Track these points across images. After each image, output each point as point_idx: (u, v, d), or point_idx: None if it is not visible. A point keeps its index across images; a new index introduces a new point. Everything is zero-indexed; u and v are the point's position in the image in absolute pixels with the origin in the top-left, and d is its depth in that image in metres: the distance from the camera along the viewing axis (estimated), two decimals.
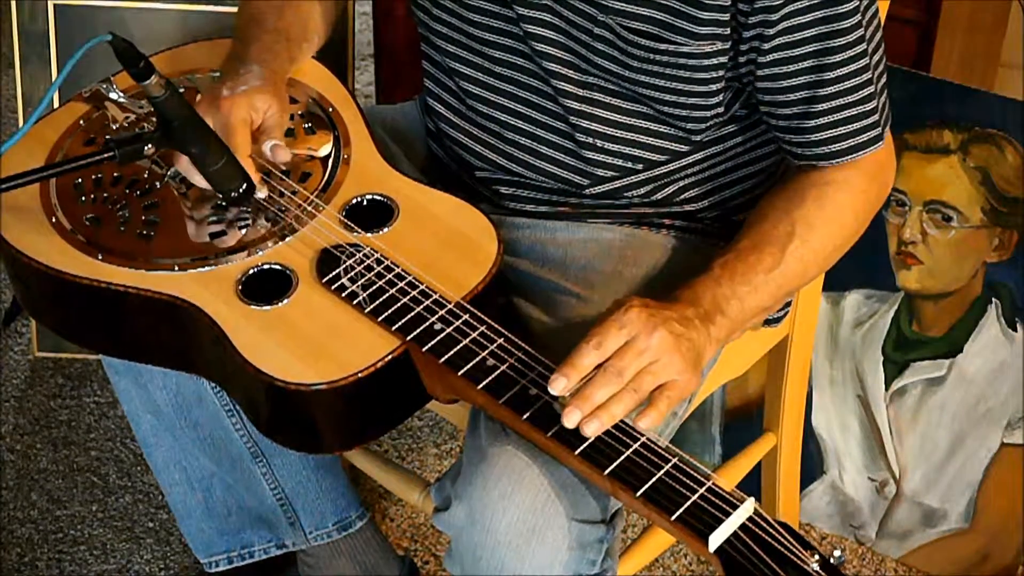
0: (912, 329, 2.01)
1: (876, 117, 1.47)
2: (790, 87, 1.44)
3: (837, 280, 1.96)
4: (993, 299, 1.96)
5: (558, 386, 1.29)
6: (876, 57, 1.46)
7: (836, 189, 1.48)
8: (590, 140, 1.54)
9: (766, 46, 1.42)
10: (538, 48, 1.51)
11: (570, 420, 1.27)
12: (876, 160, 1.50)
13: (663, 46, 1.45)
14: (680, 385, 1.33)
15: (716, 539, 1.21)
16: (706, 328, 1.38)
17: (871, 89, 1.45)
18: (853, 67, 1.43)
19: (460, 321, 1.37)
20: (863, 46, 1.43)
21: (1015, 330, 1.95)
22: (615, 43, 1.47)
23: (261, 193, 1.50)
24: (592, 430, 1.27)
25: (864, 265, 2.01)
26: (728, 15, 1.42)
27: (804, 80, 1.44)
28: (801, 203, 1.47)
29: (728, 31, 1.43)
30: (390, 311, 1.38)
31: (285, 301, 1.41)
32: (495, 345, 1.35)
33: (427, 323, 1.37)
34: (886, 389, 2.05)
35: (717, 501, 1.23)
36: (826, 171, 1.48)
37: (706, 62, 1.45)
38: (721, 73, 1.46)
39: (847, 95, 1.44)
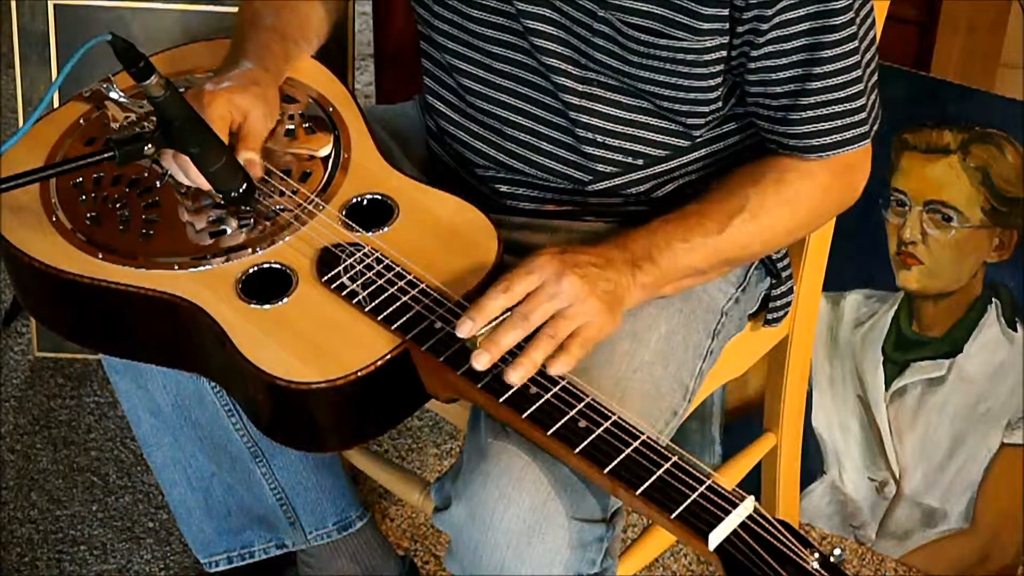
0: (912, 329, 2.01)
1: (864, 115, 1.48)
2: (780, 80, 1.46)
3: (837, 280, 1.96)
4: (993, 299, 1.96)
5: (464, 329, 1.32)
6: (868, 56, 1.47)
7: (798, 177, 1.50)
8: (590, 135, 1.54)
9: (759, 40, 1.43)
10: (538, 43, 1.52)
11: (479, 362, 1.31)
12: (847, 159, 1.51)
13: (663, 41, 1.45)
14: (595, 329, 1.35)
15: (716, 537, 1.21)
16: (631, 271, 1.40)
17: (860, 87, 1.46)
18: (843, 64, 1.44)
19: None
20: (855, 44, 1.44)
21: (1015, 330, 1.95)
22: (615, 38, 1.47)
23: (255, 172, 1.50)
24: (516, 378, 1.30)
25: (864, 265, 2.01)
26: (727, 10, 1.42)
27: (794, 74, 1.45)
28: (758, 182, 1.49)
29: (727, 26, 1.43)
30: (390, 310, 1.38)
31: (285, 300, 1.41)
32: None
33: (427, 322, 1.37)
34: (886, 389, 2.05)
35: (717, 499, 1.23)
36: (792, 159, 1.50)
37: (706, 57, 1.45)
38: (720, 68, 1.47)
39: (835, 91, 1.45)
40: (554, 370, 1.32)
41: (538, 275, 1.35)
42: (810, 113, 1.47)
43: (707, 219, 1.46)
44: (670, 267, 1.44)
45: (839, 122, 1.47)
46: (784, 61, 1.44)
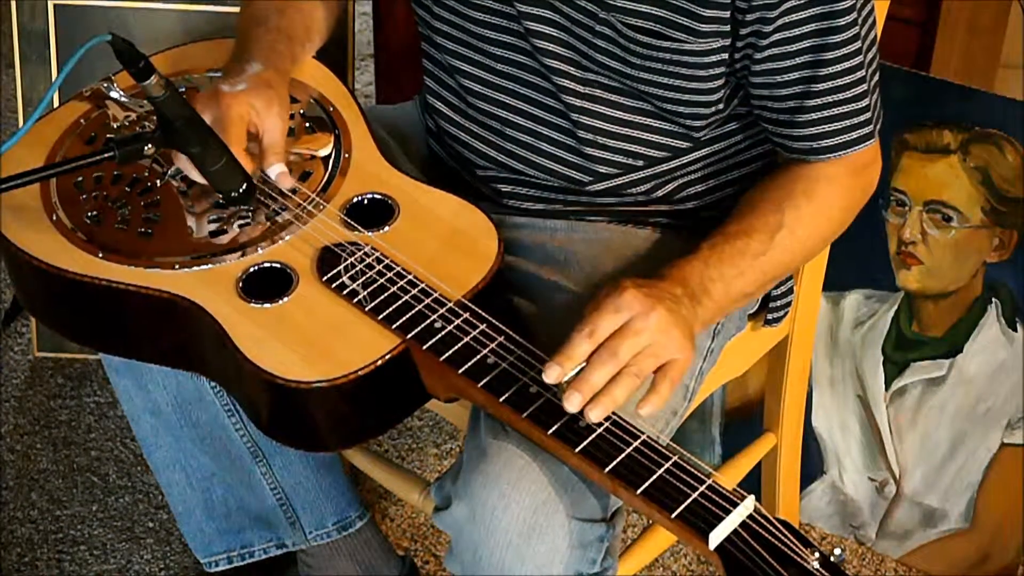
0: (912, 329, 2.01)
1: (868, 115, 1.48)
2: (785, 82, 1.46)
3: (837, 280, 1.96)
4: (993, 299, 1.96)
5: (552, 375, 1.29)
6: (870, 55, 1.47)
7: (825, 184, 1.50)
8: (591, 137, 1.54)
9: (763, 43, 1.43)
10: (539, 45, 1.52)
11: (572, 403, 1.27)
12: (862, 158, 1.51)
13: (664, 43, 1.45)
14: (680, 364, 1.33)
15: (716, 537, 1.21)
16: (694, 308, 1.39)
17: (864, 87, 1.46)
18: (847, 64, 1.44)
19: (460, 319, 1.37)
20: (858, 44, 1.44)
21: (1015, 330, 1.95)
22: (616, 40, 1.47)
23: (286, 184, 1.50)
24: (596, 416, 1.27)
25: (864, 265, 2.01)
26: (728, 12, 1.42)
27: (799, 75, 1.45)
28: (790, 195, 1.49)
29: (728, 28, 1.43)
30: (390, 309, 1.38)
31: (285, 299, 1.41)
32: (495, 343, 1.35)
33: (427, 321, 1.37)
34: (886, 389, 2.05)
35: (717, 499, 1.23)
36: (815, 166, 1.50)
37: (707, 59, 1.45)
38: (722, 70, 1.47)
39: (841, 92, 1.45)
40: (646, 412, 1.30)
41: (626, 312, 1.32)
42: (816, 115, 1.47)
43: (752, 239, 1.46)
44: (723, 298, 1.43)
45: (845, 123, 1.47)
46: (789, 63, 1.44)
